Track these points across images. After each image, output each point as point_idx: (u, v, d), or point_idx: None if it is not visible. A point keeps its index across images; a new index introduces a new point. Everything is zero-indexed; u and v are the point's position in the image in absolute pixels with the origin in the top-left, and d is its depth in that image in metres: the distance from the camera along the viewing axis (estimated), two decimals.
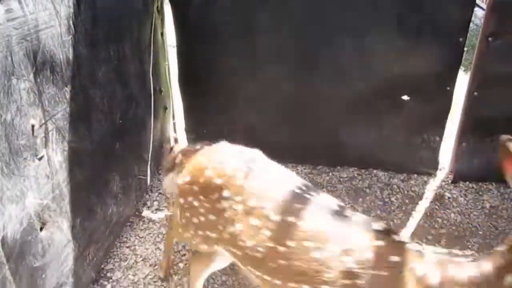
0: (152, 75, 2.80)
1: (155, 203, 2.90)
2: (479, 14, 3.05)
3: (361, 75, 2.88)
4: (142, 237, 2.65)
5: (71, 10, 1.85)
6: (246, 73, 3.00)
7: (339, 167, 3.20)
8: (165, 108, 3.20)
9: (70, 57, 1.86)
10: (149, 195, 2.96)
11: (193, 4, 2.82)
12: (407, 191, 2.97)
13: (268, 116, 3.12)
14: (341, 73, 2.90)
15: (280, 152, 3.18)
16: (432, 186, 3.00)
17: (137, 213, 2.80)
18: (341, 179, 3.10)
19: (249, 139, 3.15)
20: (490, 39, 2.54)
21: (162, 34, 3.01)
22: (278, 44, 2.86)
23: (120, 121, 2.43)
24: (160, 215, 2.68)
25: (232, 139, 3.20)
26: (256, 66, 2.97)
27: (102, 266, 2.41)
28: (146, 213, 2.74)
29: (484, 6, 2.66)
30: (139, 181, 2.77)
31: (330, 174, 3.15)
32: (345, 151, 3.15)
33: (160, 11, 2.92)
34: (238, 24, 2.85)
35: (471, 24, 2.65)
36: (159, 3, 2.86)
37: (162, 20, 3.00)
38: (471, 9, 2.60)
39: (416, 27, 2.67)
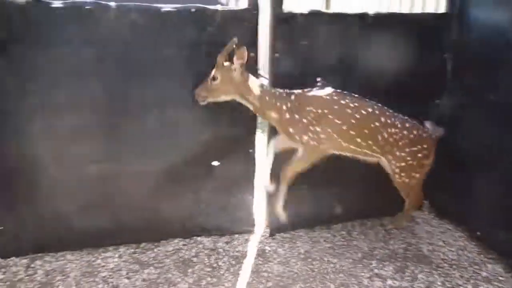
0: None
1: None
2: None
3: (170, 147, 2.96)
4: None
5: None
6: (47, 156, 2.77)
7: (163, 241, 3.12)
8: None
9: None
10: None
11: None
12: (232, 252, 3.05)
13: (77, 201, 2.89)
14: (150, 147, 2.93)
15: (97, 237, 2.97)
16: (253, 243, 3.16)
17: None
18: (167, 253, 3.01)
19: (59, 227, 2.86)
20: None
21: None
22: (80, 124, 2.76)
23: None
24: None
25: (39, 231, 2.86)
26: (58, 148, 2.78)
27: None
28: None
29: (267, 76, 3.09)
30: None
31: (155, 249, 3.04)
32: (166, 223, 3.10)
33: None
34: (34, 105, 2.68)
35: None
36: None
37: None
38: None
39: None
